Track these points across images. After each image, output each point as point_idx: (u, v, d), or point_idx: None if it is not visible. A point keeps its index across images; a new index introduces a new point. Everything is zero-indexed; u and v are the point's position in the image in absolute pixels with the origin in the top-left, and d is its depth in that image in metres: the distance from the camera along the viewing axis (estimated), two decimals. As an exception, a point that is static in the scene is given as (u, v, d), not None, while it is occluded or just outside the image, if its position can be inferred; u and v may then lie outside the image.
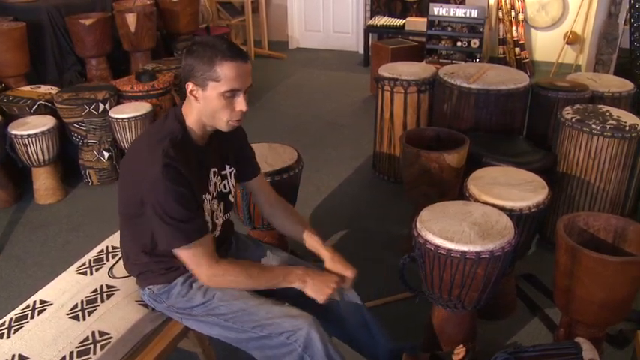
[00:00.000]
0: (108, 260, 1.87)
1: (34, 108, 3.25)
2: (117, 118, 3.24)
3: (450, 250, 1.68)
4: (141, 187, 1.42)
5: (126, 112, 3.27)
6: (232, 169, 1.69)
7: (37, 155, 3.11)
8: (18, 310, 1.65)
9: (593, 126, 2.35)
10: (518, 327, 2.24)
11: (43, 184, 3.22)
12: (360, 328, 1.75)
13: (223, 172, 1.66)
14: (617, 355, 2.08)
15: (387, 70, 3.29)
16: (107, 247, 1.94)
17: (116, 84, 3.53)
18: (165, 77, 3.63)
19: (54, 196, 3.26)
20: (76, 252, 2.39)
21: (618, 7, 4.74)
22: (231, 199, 1.72)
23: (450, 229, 1.74)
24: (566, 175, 2.51)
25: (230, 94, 1.43)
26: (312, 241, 1.72)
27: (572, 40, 5.31)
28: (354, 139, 4.04)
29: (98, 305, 1.66)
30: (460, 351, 1.73)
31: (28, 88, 3.48)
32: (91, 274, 1.81)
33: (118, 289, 1.73)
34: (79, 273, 1.81)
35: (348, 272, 1.64)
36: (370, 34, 5.85)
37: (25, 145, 3.06)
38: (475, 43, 4.79)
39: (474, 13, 4.73)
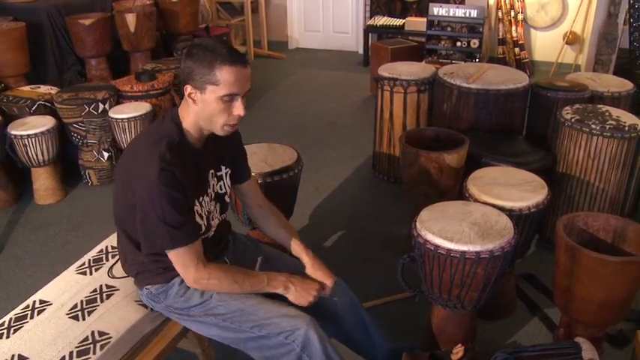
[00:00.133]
0: (107, 260, 1.87)
1: (33, 108, 3.25)
2: (116, 118, 3.24)
3: (449, 250, 1.68)
4: (137, 187, 1.43)
5: (125, 112, 3.27)
6: (228, 169, 1.69)
7: (36, 155, 3.11)
8: (17, 310, 1.65)
9: (593, 126, 2.35)
10: (517, 327, 2.24)
11: (43, 184, 3.22)
12: (357, 329, 1.75)
13: (219, 173, 1.66)
14: (617, 355, 2.08)
15: (386, 70, 3.29)
16: (107, 247, 1.95)
17: (116, 84, 3.53)
18: (165, 77, 3.63)
19: (53, 196, 3.26)
20: (75, 252, 2.39)
21: (618, 7, 4.74)
22: (227, 200, 1.72)
23: (449, 229, 1.74)
24: (565, 175, 2.51)
25: (228, 99, 1.43)
26: (295, 247, 1.73)
27: (572, 40, 5.31)
28: (354, 139, 4.04)
29: (98, 305, 1.66)
30: (459, 350, 1.74)
31: (27, 88, 3.47)
32: (91, 274, 1.81)
33: (117, 289, 1.73)
34: (79, 273, 1.81)
35: (328, 280, 1.65)
36: (370, 34, 5.85)
37: (25, 146, 3.06)
38: (475, 43, 4.79)
39: (474, 13, 4.73)
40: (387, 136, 3.32)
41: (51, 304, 1.67)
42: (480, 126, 2.84)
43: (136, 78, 3.56)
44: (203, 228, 1.58)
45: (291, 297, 1.58)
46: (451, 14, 4.77)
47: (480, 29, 4.76)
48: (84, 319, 1.61)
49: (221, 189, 1.67)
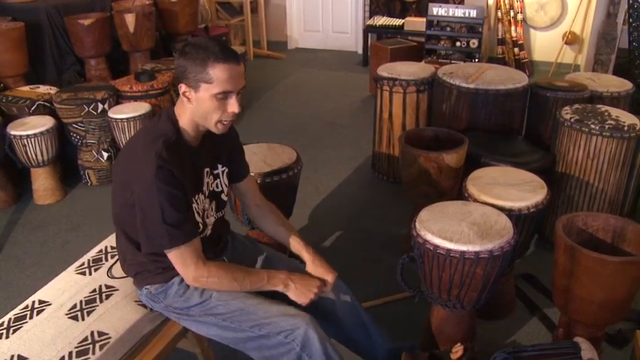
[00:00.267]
0: (107, 260, 1.87)
1: (32, 108, 3.25)
2: (116, 119, 3.24)
3: (449, 250, 1.68)
4: (135, 186, 1.43)
5: (125, 112, 3.27)
6: (225, 168, 1.69)
7: (35, 155, 3.11)
8: (17, 310, 1.65)
9: (592, 126, 2.35)
10: (517, 327, 2.24)
11: (42, 184, 3.22)
12: (357, 329, 1.75)
13: (216, 171, 1.66)
14: (617, 354, 2.08)
15: (385, 70, 3.29)
16: (106, 247, 1.95)
17: (115, 84, 3.53)
18: (164, 77, 3.63)
19: (53, 196, 3.26)
20: (75, 252, 2.39)
21: (617, 7, 4.74)
22: (224, 198, 1.72)
23: (449, 229, 1.74)
24: (565, 174, 2.51)
25: (222, 96, 1.44)
26: (295, 244, 1.73)
27: (571, 40, 5.31)
28: (353, 139, 4.04)
29: (97, 305, 1.66)
30: (458, 349, 1.74)
31: (26, 88, 3.47)
32: (90, 274, 1.81)
33: (117, 290, 1.73)
34: (78, 273, 1.81)
35: (329, 276, 1.64)
36: (369, 34, 5.85)
37: (24, 146, 3.06)
38: (474, 43, 4.79)
39: (473, 13, 4.73)
40: (387, 136, 3.32)
41: (50, 304, 1.67)
42: (479, 126, 2.84)
43: (136, 78, 3.56)
44: (200, 226, 1.58)
45: (291, 294, 1.57)
46: (450, 14, 4.78)
47: (480, 29, 4.76)
48: (83, 319, 1.61)
49: (217, 187, 1.67)
